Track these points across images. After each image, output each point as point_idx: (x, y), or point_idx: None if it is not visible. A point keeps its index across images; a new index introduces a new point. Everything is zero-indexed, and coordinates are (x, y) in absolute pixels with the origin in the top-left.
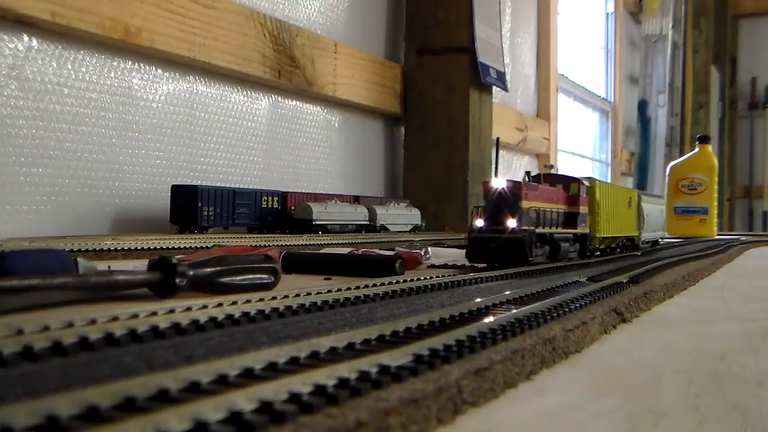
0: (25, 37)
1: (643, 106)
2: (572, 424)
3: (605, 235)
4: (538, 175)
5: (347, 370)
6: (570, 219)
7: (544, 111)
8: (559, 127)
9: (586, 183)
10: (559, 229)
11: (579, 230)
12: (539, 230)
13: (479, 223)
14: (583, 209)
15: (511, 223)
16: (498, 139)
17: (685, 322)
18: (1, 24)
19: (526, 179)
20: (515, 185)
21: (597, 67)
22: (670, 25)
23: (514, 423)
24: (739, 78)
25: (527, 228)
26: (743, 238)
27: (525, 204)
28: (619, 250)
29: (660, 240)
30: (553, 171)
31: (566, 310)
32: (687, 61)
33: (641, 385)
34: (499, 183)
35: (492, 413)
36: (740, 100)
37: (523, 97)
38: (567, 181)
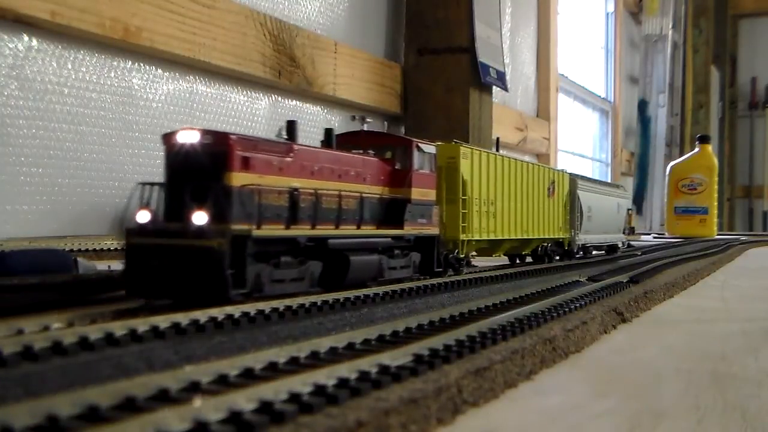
0: (25, 37)
1: (643, 106)
2: (572, 424)
3: (493, 237)
4: (346, 134)
5: (347, 370)
6: (392, 211)
7: (544, 111)
8: (559, 127)
9: (428, 148)
10: (362, 229)
11: (413, 231)
12: (269, 231)
13: (143, 217)
14: (422, 194)
15: (198, 217)
16: (498, 139)
17: (686, 322)
18: (1, 24)
19: (282, 136)
20: (217, 140)
21: (597, 67)
22: (670, 25)
23: (514, 423)
24: (739, 78)
25: (233, 228)
26: (743, 237)
27: (238, 178)
28: (545, 257)
29: (621, 245)
30: (366, 126)
31: (566, 310)
32: (687, 61)
33: (641, 385)
34: (187, 136)
35: (492, 413)
36: (740, 100)
37: (523, 97)
38: (387, 144)
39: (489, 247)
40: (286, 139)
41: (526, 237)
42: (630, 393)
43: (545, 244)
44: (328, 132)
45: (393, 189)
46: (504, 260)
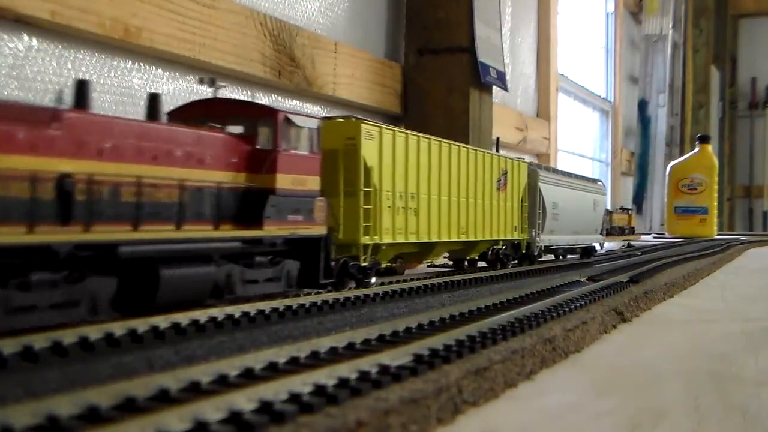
0: (25, 37)
1: (643, 105)
2: (572, 424)
3: (414, 240)
4: (194, 103)
5: (347, 370)
6: (249, 206)
7: (544, 111)
8: (559, 127)
9: (305, 122)
10: (185, 231)
11: (279, 231)
12: None
13: None
14: (296, 182)
15: None
16: (498, 138)
17: (686, 322)
18: (1, 23)
19: (63, 102)
20: None
21: (597, 66)
22: (670, 25)
23: (514, 423)
24: (739, 78)
25: None
26: (743, 237)
27: None
28: (497, 262)
29: (598, 247)
30: (219, 92)
31: (566, 310)
32: (687, 61)
33: (641, 385)
34: None
35: (492, 413)
36: (740, 99)
37: (523, 97)
38: (246, 116)
39: (419, 252)
40: (76, 107)
41: (466, 239)
42: (630, 393)
43: (498, 246)
44: (153, 99)
45: (251, 176)
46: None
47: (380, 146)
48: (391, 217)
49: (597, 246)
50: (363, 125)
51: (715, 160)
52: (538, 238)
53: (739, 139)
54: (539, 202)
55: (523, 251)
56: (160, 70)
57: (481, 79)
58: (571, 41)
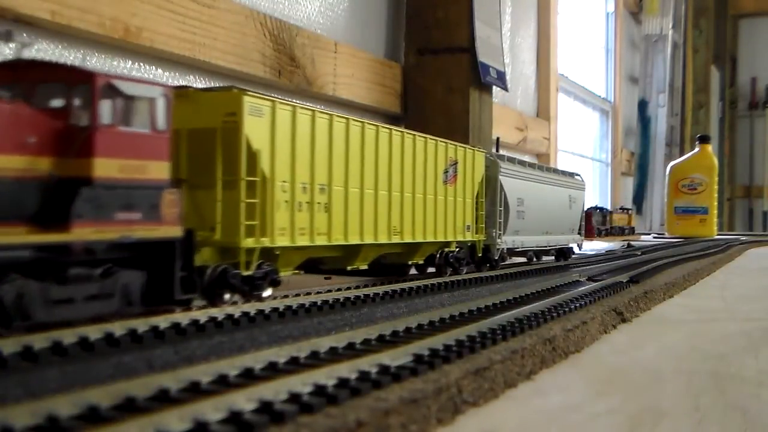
0: (26, 37)
1: (643, 105)
2: (572, 424)
3: (325, 242)
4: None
5: (347, 369)
6: (55, 200)
7: (544, 111)
8: (559, 127)
9: (139, 89)
10: None
11: (98, 235)
12: None
13: None
14: (128, 169)
15: None
16: (498, 138)
17: (686, 322)
18: (1, 23)
19: None
20: None
21: (597, 66)
22: (670, 25)
23: (514, 423)
24: (739, 78)
25: None
26: (743, 237)
27: None
28: (446, 268)
29: (576, 249)
30: (26, 51)
31: (566, 310)
32: (687, 61)
33: (641, 385)
34: None
35: (492, 413)
36: (740, 100)
37: (523, 97)
38: (57, 82)
39: (342, 257)
40: None
41: (401, 241)
42: (630, 393)
43: (447, 249)
44: None
45: (60, 160)
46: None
47: (273, 125)
48: (290, 215)
49: (575, 247)
50: (246, 97)
51: (715, 160)
52: (499, 240)
53: (739, 139)
54: (500, 198)
55: (480, 254)
56: (160, 70)
57: (481, 79)
58: (571, 41)
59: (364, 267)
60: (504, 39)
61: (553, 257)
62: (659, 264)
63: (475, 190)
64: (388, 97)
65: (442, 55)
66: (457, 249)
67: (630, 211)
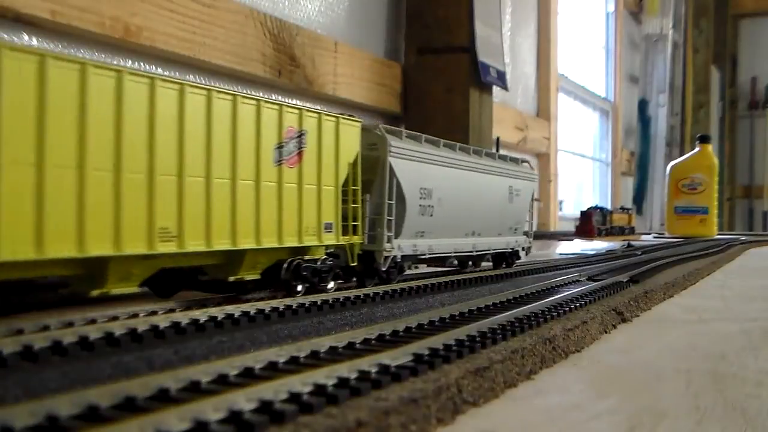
0: (25, 36)
1: (643, 105)
2: (572, 424)
3: (54, 255)
4: None
5: (347, 369)
6: None
7: (544, 110)
8: (559, 127)
9: None
10: None
11: None
12: None
13: None
14: None
15: None
16: (498, 138)
17: (686, 322)
18: (1, 23)
19: None
20: None
21: (597, 66)
22: (671, 25)
23: (514, 423)
24: (739, 78)
25: None
26: (743, 237)
27: None
28: (293, 284)
29: (522, 252)
30: None
31: (566, 309)
32: (687, 61)
33: (641, 385)
34: None
35: (492, 413)
36: (740, 99)
37: (524, 97)
38: None
39: (82, 275)
40: None
41: (197, 250)
42: (630, 393)
43: (303, 258)
44: None
45: None
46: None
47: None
48: None
49: (521, 252)
50: None
51: (715, 160)
52: (388, 244)
53: (739, 139)
54: (390, 188)
55: (355, 263)
56: (160, 70)
57: (482, 78)
58: (571, 41)
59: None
60: (504, 39)
61: (491, 264)
62: (659, 264)
63: (341, 175)
64: (388, 96)
65: (442, 54)
66: (322, 258)
67: (630, 211)
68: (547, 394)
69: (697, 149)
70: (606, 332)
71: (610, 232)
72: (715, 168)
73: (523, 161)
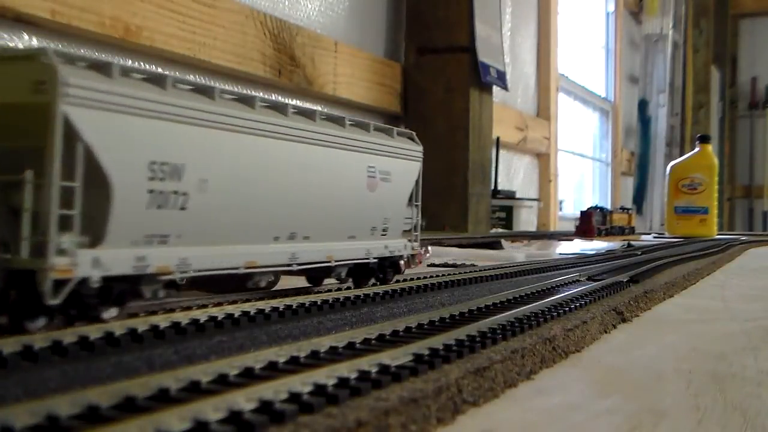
0: (26, 36)
1: (643, 105)
2: (572, 424)
3: None
4: None
5: (347, 369)
6: None
7: (544, 110)
8: (559, 127)
9: None
10: None
11: None
12: None
13: None
14: None
15: None
16: (498, 138)
17: (686, 322)
18: (1, 23)
19: None
20: None
21: (597, 66)
22: (671, 25)
23: (514, 423)
24: (739, 78)
25: None
26: (743, 237)
27: None
28: None
29: (404, 261)
30: None
31: (566, 309)
32: (687, 61)
33: (641, 385)
34: None
35: (492, 413)
36: (740, 99)
37: (524, 97)
38: None
39: None
40: None
41: None
42: (630, 393)
43: None
44: None
45: None
46: None
47: None
48: None
49: (401, 262)
50: None
51: (715, 160)
52: (63, 258)
53: (739, 139)
54: (70, 159)
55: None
56: (160, 69)
57: (482, 78)
58: (571, 41)
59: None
60: (504, 39)
61: (337, 280)
62: (659, 264)
63: None
64: (388, 96)
65: (442, 54)
66: None
67: (630, 211)
68: (547, 394)
69: (697, 149)
70: (606, 332)
71: (610, 232)
72: (715, 168)
73: (401, 133)
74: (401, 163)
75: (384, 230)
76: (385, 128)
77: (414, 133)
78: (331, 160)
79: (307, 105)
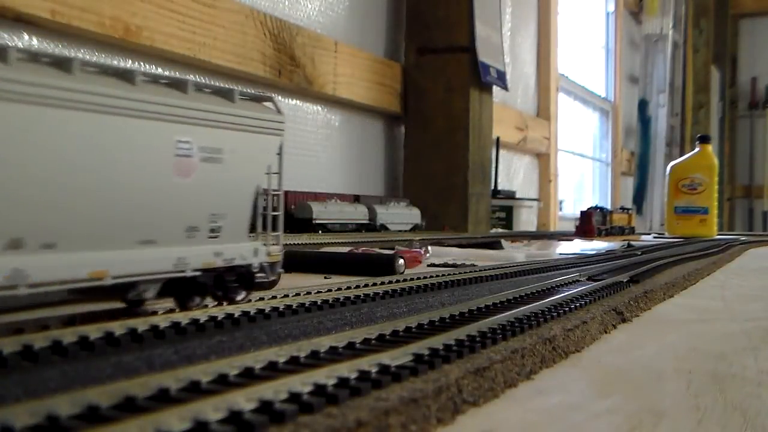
0: (26, 36)
1: (643, 105)
2: (572, 424)
3: None
4: None
5: (347, 369)
6: None
7: (544, 110)
8: (559, 127)
9: None
10: None
11: None
12: None
13: None
14: None
15: None
16: (498, 138)
17: (686, 322)
18: (1, 23)
19: None
20: None
21: (597, 66)
22: (671, 25)
23: (514, 423)
24: (739, 78)
25: None
26: (743, 238)
27: None
28: None
29: (259, 274)
30: None
31: (566, 309)
32: (687, 61)
33: (641, 385)
34: None
35: (492, 413)
36: (740, 99)
37: (524, 97)
38: None
39: None
40: None
41: None
42: (630, 393)
43: None
44: None
45: None
46: None
47: None
48: None
49: (257, 273)
50: None
51: (715, 160)
52: None
53: (739, 139)
54: None
55: None
56: (160, 70)
57: (482, 78)
58: (571, 41)
59: None
60: (504, 39)
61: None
62: (659, 264)
63: None
64: (388, 96)
65: (442, 54)
66: None
67: (630, 211)
68: (548, 394)
69: (697, 149)
70: (606, 332)
71: (610, 232)
72: (715, 168)
73: (252, 96)
74: (245, 137)
75: (213, 231)
76: (222, 89)
77: (273, 96)
78: (103, 132)
79: (308, 105)
